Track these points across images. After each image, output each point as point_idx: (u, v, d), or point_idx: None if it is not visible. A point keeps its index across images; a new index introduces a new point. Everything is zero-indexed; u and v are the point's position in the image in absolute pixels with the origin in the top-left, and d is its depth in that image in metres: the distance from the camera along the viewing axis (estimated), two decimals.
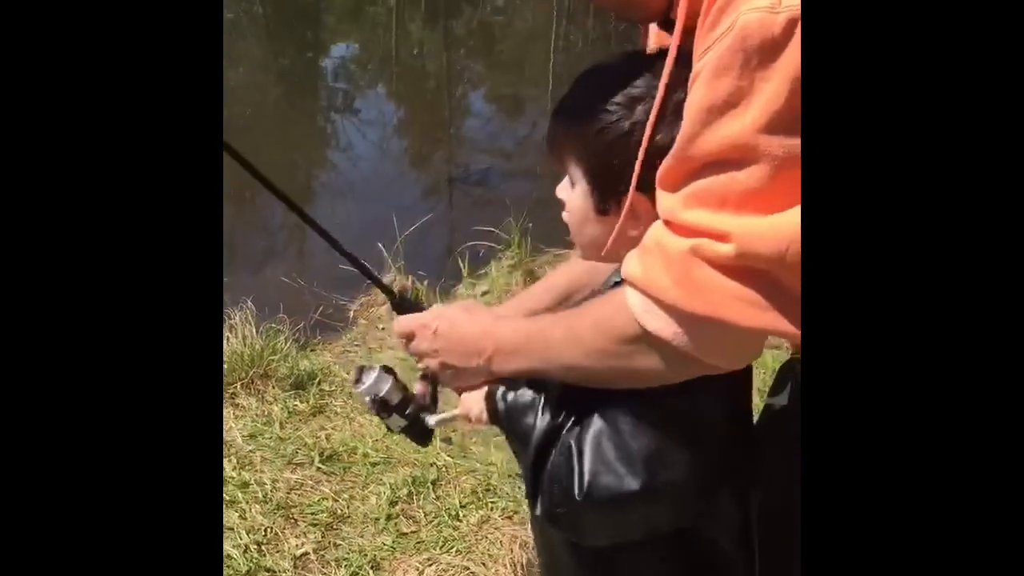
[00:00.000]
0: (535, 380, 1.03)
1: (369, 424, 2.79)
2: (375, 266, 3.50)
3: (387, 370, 1.16)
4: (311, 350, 3.17)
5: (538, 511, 0.99)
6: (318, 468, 2.56)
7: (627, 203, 0.94)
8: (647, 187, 0.91)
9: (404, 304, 1.16)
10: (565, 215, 1.03)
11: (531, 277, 3.56)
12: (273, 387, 2.83)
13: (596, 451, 0.94)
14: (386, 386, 1.14)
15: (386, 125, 7.50)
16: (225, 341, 2.89)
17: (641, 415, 0.94)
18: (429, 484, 2.53)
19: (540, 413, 1.00)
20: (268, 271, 3.84)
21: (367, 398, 1.14)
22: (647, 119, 0.90)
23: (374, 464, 2.61)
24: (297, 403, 2.81)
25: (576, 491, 0.94)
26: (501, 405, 1.04)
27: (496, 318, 1.08)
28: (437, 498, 2.46)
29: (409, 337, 1.10)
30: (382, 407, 1.14)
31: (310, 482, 2.52)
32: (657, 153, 0.88)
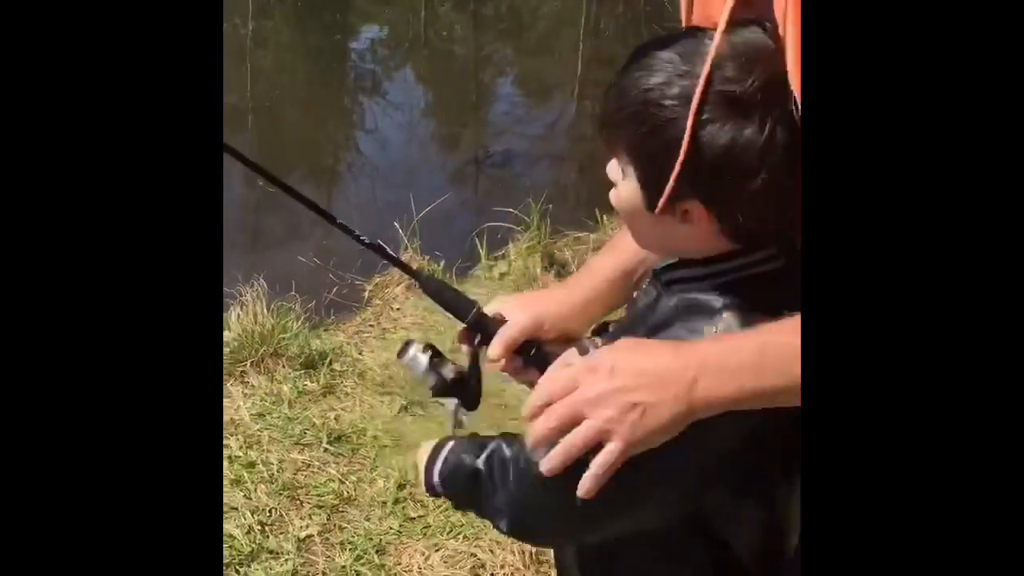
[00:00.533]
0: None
1: (380, 405, 2.75)
2: (392, 246, 3.44)
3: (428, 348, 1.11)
4: (324, 330, 3.13)
5: (503, 528, 0.98)
6: (326, 449, 2.52)
7: (680, 209, 0.88)
8: (701, 191, 0.86)
9: (484, 324, 1.08)
10: (613, 199, 0.96)
11: (549, 259, 3.50)
12: (283, 366, 2.79)
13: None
14: (423, 367, 1.09)
15: (413, 108, 7.44)
16: (236, 319, 2.85)
17: None
18: None
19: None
20: (287, 250, 3.80)
21: (431, 383, 1.10)
22: (706, 116, 0.83)
23: (383, 446, 2.57)
24: (307, 383, 2.76)
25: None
26: (436, 480, 1.03)
27: (688, 341, 0.91)
28: None
29: (565, 389, 0.89)
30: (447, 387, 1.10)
31: (317, 463, 2.48)
32: (712, 156, 0.83)
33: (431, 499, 2.37)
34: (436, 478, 1.03)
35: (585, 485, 0.87)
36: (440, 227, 3.83)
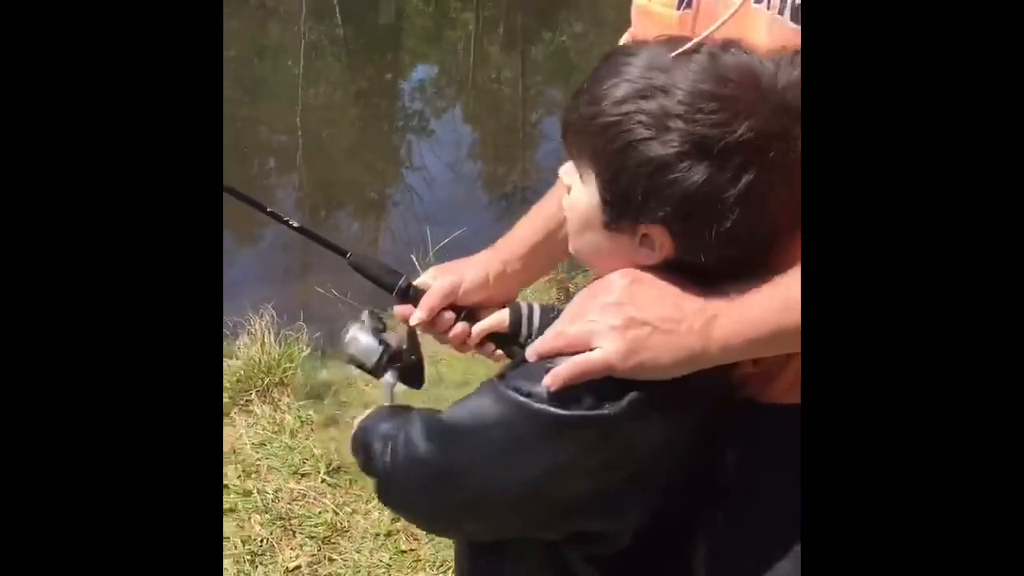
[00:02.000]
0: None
1: None
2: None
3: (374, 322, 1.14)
4: (337, 360, 3.13)
5: (377, 494, 1.00)
6: (323, 480, 2.51)
7: (641, 231, 0.85)
8: (673, 226, 0.83)
9: (413, 293, 1.11)
10: (565, 203, 0.92)
11: (565, 294, 3.46)
12: (288, 396, 2.80)
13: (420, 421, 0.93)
14: (365, 340, 1.12)
15: (461, 146, 7.51)
16: (244, 347, 2.86)
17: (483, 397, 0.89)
18: None
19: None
20: (304, 282, 3.83)
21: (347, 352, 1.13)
22: (685, 149, 0.79)
23: None
24: (311, 413, 2.76)
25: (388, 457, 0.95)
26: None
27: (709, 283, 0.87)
28: None
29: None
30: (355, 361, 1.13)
31: (313, 493, 2.46)
32: (693, 197, 0.80)
33: (424, 533, 2.35)
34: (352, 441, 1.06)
35: (551, 378, 0.82)
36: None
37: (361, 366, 1.13)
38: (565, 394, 0.82)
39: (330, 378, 2.93)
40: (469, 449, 0.88)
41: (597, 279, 0.89)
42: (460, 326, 1.11)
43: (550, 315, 1.10)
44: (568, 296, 3.53)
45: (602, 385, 0.82)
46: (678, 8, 1.01)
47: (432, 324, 1.10)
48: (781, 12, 0.89)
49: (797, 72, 0.80)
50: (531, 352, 0.86)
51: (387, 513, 2.39)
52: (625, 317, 0.82)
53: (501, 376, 0.89)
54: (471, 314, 1.11)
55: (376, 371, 1.12)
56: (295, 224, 1.13)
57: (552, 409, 0.82)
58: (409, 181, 6.59)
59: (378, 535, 2.34)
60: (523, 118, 8.45)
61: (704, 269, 0.86)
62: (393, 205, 6.13)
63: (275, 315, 2.98)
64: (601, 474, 0.86)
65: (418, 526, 1.04)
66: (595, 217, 0.88)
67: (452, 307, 1.11)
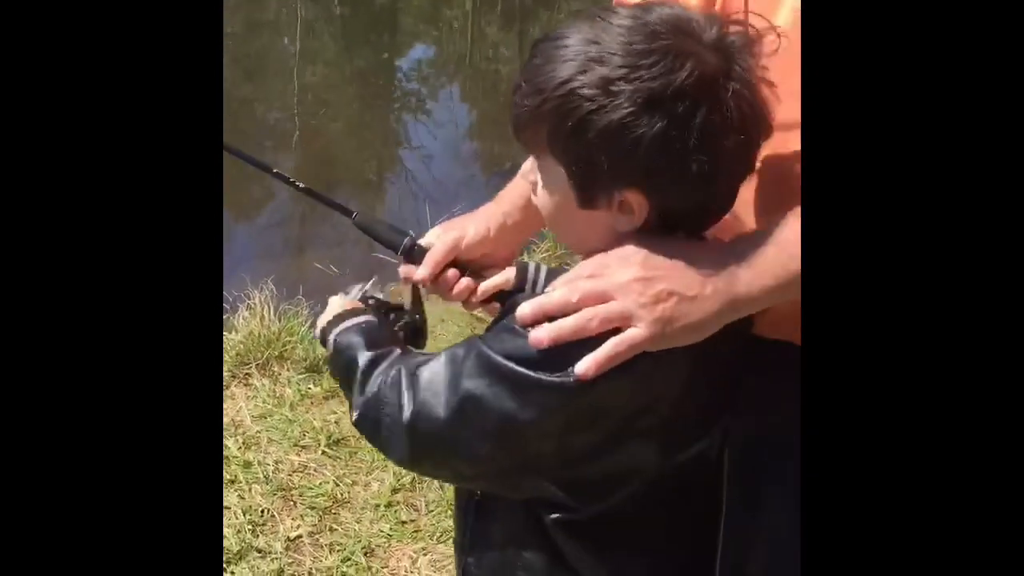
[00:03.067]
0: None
1: None
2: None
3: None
4: None
5: (353, 418, 0.99)
6: (323, 452, 2.52)
7: (616, 200, 0.86)
8: (644, 184, 0.84)
9: (418, 252, 1.11)
10: (537, 203, 0.94)
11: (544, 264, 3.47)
12: (288, 369, 2.81)
13: (434, 372, 0.92)
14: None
15: (458, 126, 7.50)
16: (243, 321, 2.87)
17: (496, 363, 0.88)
18: None
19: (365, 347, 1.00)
20: (302, 257, 3.84)
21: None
22: (637, 107, 0.80)
23: None
24: (311, 386, 2.77)
25: (404, 408, 0.92)
26: (331, 338, 1.03)
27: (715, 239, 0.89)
28: (441, 487, 2.39)
29: (595, 272, 0.86)
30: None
31: (314, 465, 2.48)
32: (657, 149, 0.81)
33: (424, 503, 2.37)
34: (331, 336, 1.04)
35: (587, 364, 0.83)
36: None
37: None
38: (539, 356, 0.85)
39: None
40: (442, 403, 0.91)
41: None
42: (464, 282, 1.11)
43: (557, 274, 1.10)
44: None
45: (569, 349, 0.84)
46: None
47: (436, 281, 1.11)
48: None
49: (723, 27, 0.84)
50: (531, 310, 0.86)
51: (387, 485, 2.41)
52: (652, 292, 0.83)
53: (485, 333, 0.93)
54: (475, 272, 1.12)
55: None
56: (301, 185, 1.14)
57: (521, 370, 0.86)
58: (406, 160, 6.58)
59: (378, 506, 2.36)
60: None
61: (683, 224, 0.89)
62: (390, 184, 6.12)
63: (275, 289, 2.99)
64: (565, 436, 0.89)
65: (396, 463, 1.04)
66: (567, 202, 0.89)
67: (456, 263, 1.11)
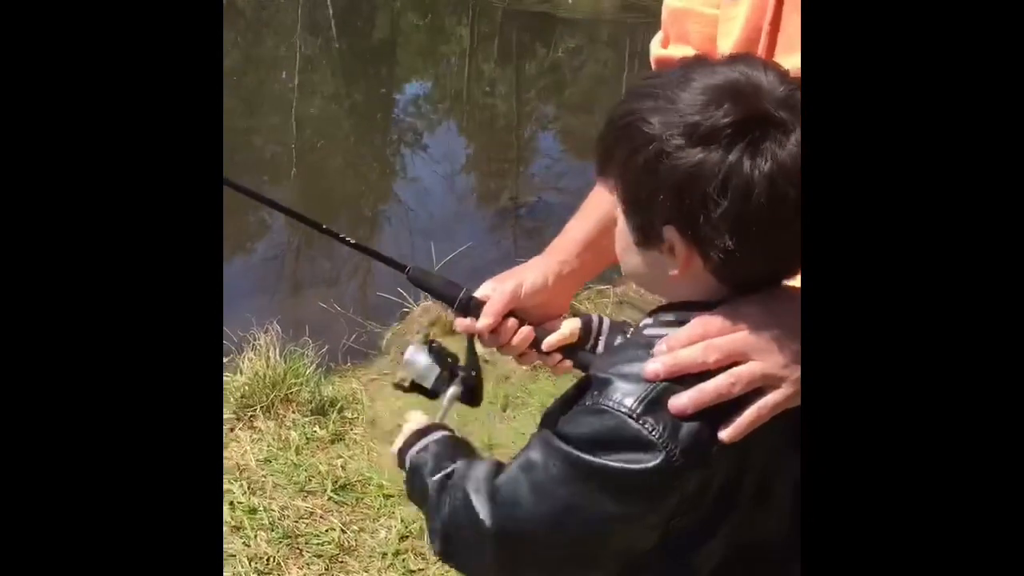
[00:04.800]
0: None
1: (387, 454, 2.70)
2: (411, 295, 3.44)
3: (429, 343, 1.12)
4: (339, 376, 3.11)
5: (436, 551, 0.93)
6: (330, 497, 2.48)
7: (661, 236, 0.85)
8: (678, 222, 0.82)
9: (474, 305, 1.09)
10: (615, 238, 0.94)
11: (572, 312, 3.45)
12: (294, 412, 2.77)
13: (514, 480, 0.87)
14: (424, 361, 1.10)
15: (455, 161, 7.52)
16: (248, 363, 2.84)
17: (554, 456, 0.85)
18: None
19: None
20: (305, 296, 3.81)
21: (404, 376, 1.11)
22: (680, 143, 0.80)
23: (388, 496, 2.52)
24: (317, 429, 2.74)
25: (485, 524, 0.87)
26: (407, 462, 1.00)
27: None
28: None
29: (723, 330, 0.84)
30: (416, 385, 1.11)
31: (320, 511, 2.44)
32: (686, 182, 0.80)
33: (432, 553, 2.33)
34: (407, 460, 1.00)
35: (735, 430, 0.81)
36: (466, 276, 3.82)
37: (419, 388, 1.10)
38: (633, 435, 0.81)
39: (335, 394, 2.91)
40: (530, 516, 0.86)
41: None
42: (525, 331, 1.08)
43: (621, 328, 1.10)
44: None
45: (668, 421, 0.81)
46: None
47: (496, 332, 1.08)
48: None
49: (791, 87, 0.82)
50: (662, 366, 0.83)
51: (395, 532, 2.37)
52: (793, 351, 0.82)
53: (553, 424, 0.88)
54: (534, 323, 1.10)
55: (437, 391, 1.09)
56: (351, 241, 1.13)
57: (616, 465, 0.81)
58: (403, 194, 6.58)
59: (386, 554, 2.31)
60: (517, 132, 8.46)
61: (748, 280, 0.86)
62: (387, 219, 6.12)
63: (280, 330, 2.96)
64: (666, 524, 0.85)
65: None
66: (628, 238, 0.89)
67: (514, 313, 1.09)
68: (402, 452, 1.02)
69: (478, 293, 1.11)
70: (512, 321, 1.09)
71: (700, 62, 0.87)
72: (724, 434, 0.81)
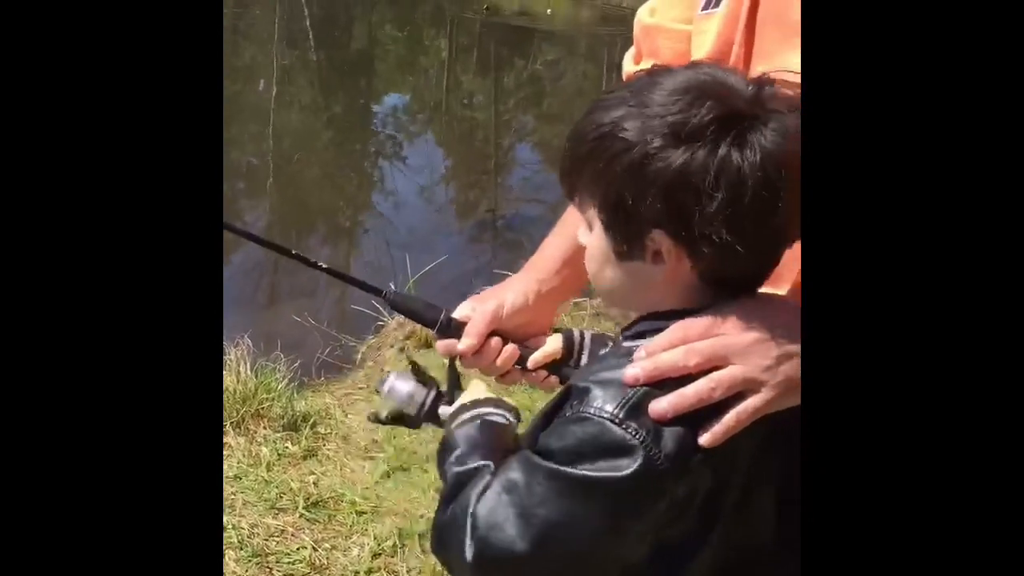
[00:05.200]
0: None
1: (362, 470, 2.67)
2: (386, 308, 3.40)
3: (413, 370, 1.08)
4: (312, 391, 3.07)
5: (432, 543, 0.89)
6: (301, 515, 2.44)
7: (647, 243, 0.84)
8: (669, 224, 0.82)
9: (455, 326, 1.07)
10: (586, 259, 0.92)
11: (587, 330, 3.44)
12: (265, 427, 2.73)
13: (493, 507, 0.82)
14: (405, 388, 1.06)
15: (433, 172, 7.51)
16: None
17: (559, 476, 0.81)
18: (416, 536, 2.39)
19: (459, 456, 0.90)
20: (280, 310, 3.78)
21: (385, 407, 1.07)
22: (663, 143, 0.80)
23: (360, 513, 2.48)
24: (288, 445, 2.69)
25: (465, 549, 0.82)
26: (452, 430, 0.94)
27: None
28: (423, 552, 2.32)
29: (704, 333, 0.83)
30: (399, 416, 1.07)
31: (291, 529, 2.39)
32: (667, 180, 0.80)
33: (405, 570, 2.29)
34: (451, 427, 0.95)
35: (715, 434, 0.80)
36: (444, 288, 3.79)
37: (400, 419, 1.06)
38: (617, 441, 0.80)
39: (308, 409, 2.87)
40: (513, 541, 0.82)
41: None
42: (509, 349, 1.07)
43: (603, 340, 1.08)
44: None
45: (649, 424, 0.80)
46: (705, 8, 1.02)
47: (479, 352, 1.06)
48: None
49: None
50: (642, 371, 0.82)
51: (367, 550, 2.33)
52: (775, 355, 0.82)
53: (534, 440, 0.86)
54: (516, 342, 1.08)
55: (418, 419, 1.05)
56: (323, 265, 1.10)
57: (601, 475, 0.80)
58: (381, 206, 6.56)
59: (358, 573, 2.27)
60: (496, 144, 8.47)
61: (727, 281, 0.86)
62: (364, 230, 6.09)
63: (251, 344, 2.92)
64: (655, 534, 0.83)
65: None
66: (607, 252, 0.88)
67: (497, 333, 1.07)
68: (449, 421, 0.97)
69: (457, 314, 1.09)
70: (495, 340, 1.07)
71: (661, 69, 0.87)
72: (704, 439, 0.80)
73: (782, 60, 0.89)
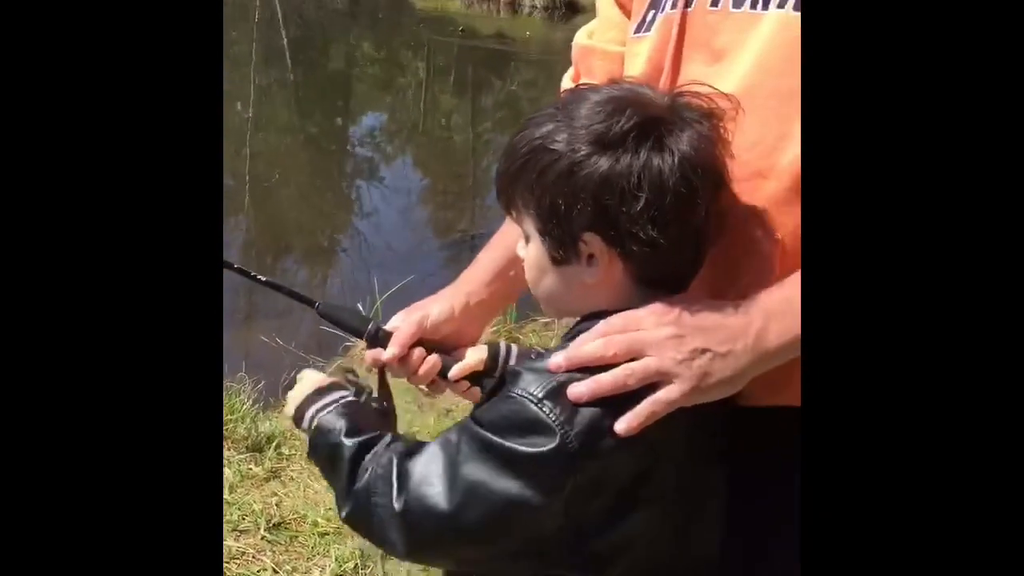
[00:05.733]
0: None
1: (325, 491, 2.66)
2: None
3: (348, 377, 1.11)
4: (277, 412, 3.05)
5: (343, 514, 0.94)
6: (263, 537, 2.42)
7: (580, 246, 0.90)
8: (600, 226, 0.88)
9: (383, 336, 1.10)
10: (525, 268, 0.98)
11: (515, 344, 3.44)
12: (228, 449, 2.71)
13: (427, 462, 0.90)
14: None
15: (411, 193, 7.51)
16: None
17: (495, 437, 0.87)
18: (379, 558, 2.38)
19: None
20: (247, 329, 3.76)
21: None
22: (589, 151, 0.87)
23: (323, 534, 2.47)
24: (252, 467, 2.68)
25: (395, 500, 0.89)
26: (307, 421, 1.00)
27: (748, 293, 0.90)
28: (384, 573, 2.31)
29: (627, 327, 0.88)
30: None
31: (252, 551, 2.38)
32: (595, 184, 0.86)
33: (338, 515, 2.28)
34: (307, 420, 1.00)
35: (628, 421, 0.84)
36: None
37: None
38: (537, 419, 0.86)
39: (272, 430, 2.86)
40: (438, 494, 0.88)
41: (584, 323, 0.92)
42: (432, 360, 1.10)
43: (528, 355, 1.11)
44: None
45: (568, 410, 0.86)
46: (636, 32, 1.06)
47: (404, 362, 1.10)
48: (782, 5, 0.93)
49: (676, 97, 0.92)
50: (564, 359, 0.87)
51: (329, 571, 2.32)
52: (688, 349, 0.86)
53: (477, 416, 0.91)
54: (442, 352, 1.11)
55: None
56: (262, 278, 1.13)
57: (521, 449, 0.86)
58: (359, 226, 6.55)
59: None
60: (473, 164, 8.49)
61: (659, 281, 0.92)
62: (342, 251, 6.08)
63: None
64: (572, 510, 0.87)
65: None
66: (544, 260, 0.94)
67: (422, 343, 1.11)
68: (302, 408, 1.01)
69: (388, 325, 1.12)
70: (419, 351, 1.10)
71: (586, 87, 0.96)
72: (619, 426, 0.84)
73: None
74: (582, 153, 0.87)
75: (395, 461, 0.90)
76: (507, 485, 0.86)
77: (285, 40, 10.62)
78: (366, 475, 0.91)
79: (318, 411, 0.99)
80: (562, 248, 0.91)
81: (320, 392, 1.01)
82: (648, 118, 0.88)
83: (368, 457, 0.93)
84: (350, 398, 1.01)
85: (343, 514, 0.94)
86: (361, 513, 0.92)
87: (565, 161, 0.88)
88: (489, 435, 0.87)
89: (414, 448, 0.92)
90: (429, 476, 0.88)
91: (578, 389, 0.85)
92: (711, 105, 0.91)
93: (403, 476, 0.89)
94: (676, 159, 0.87)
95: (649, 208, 0.86)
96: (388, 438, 0.95)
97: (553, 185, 0.89)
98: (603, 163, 0.86)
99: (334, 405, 0.99)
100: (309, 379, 1.05)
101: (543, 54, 11.13)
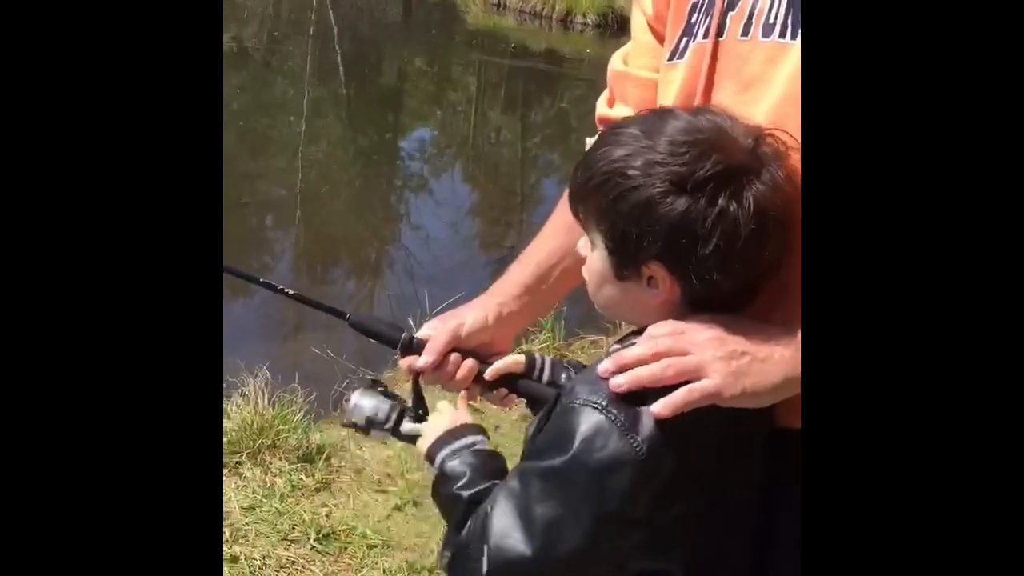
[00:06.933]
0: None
1: (374, 503, 2.69)
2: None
3: (374, 386, 1.14)
4: (328, 423, 3.09)
5: (442, 562, 0.97)
6: (313, 547, 2.46)
7: (644, 270, 0.93)
8: (666, 258, 0.91)
9: (417, 346, 1.12)
10: (584, 271, 1.01)
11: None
12: (280, 459, 2.75)
13: (500, 516, 0.91)
14: (370, 403, 1.12)
15: (459, 208, 7.54)
16: (236, 408, 2.83)
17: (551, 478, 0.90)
18: (425, 571, 2.40)
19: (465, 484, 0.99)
20: (297, 341, 3.81)
21: (353, 419, 1.13)
22: (666, 191, 0.89)
23: (371, 546, 2.50)
24: (303, 477, 2.72)
25: (484, 560, 0.91)
26: (439, 461, 1.02)
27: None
28: None
29: (674, 332, 0.92)
30: (369, 425, 1.12)
31: (302, 561, 2.41)
32: (669, 222, 0.89)
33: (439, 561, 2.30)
34: (437, 461, 1.03)
35: (665, 404, 0.87)
36: None
37: (373, 426, 1.12)
38: (597, 428, 0.88)
39: (323, 441, 2.89)
40: (519, 543, 0.90)
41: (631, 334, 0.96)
42: (468, 364, 1.12)
43: (563, 365, 1.14)
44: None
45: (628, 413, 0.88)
46: (670, 59, 1.07)
47: (439, 368, 1.11)
48: (783, 35, 0.95)
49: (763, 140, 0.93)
50: (612, 363, 0.90)
51: None
52: (728, 349, 0.89)
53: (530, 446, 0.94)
54: (476, 360, 1.13)
55: (394, 427, 1.11)
56: (290, 292, 1.15)
57: (586, 459, 0.88)
58: (407, 240, 6.59)
59: None
60: (522, 180, 8.51)
61: (709, 305, 0.94)
62: (390, 264, 6.12)
63: (269, 376, 2.95)
64: (649, 520, 0.90)
65: None
66: (607, 272, 0.97)
67: (457, 350, 1.12)
68: (433, 449, 1.04)
69: (420, 334, 1.14)
70: (455, 356, 1.12)
71: (668, 112, 0.96)
72: (656, 407, 0.87)
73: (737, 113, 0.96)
74: (659, 190, 0.89)
75: (483, 519, 0.93)
76: (586, 506, 0.88)
77: (339, 55, 10.76)
78: (466, 530, 0.95)
79: (446, 457, 1.03)
80: (626, 268, 0.94)
81: (452, 435, 1.05)
82: (730, 167, 0.89)
83: (475, 511, 0.96)
84: (479, 446, 1.04)
85: (443, 562, 0.97)
86: (458, 568, 0.95)
87: (641, 194, 0.90)
88: (551, 462, 0.89)
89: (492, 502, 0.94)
90: (506, 528, 0.90)
91: (618, 380, 0.89)
92: (791, 144, 0.93)
93: (484, 536, 0.91)
94: (751, 209, 0.89)
95: (718, 252, 0.89)
96: (492, 490, 0.97)
97: (627, 215, 0.91)
98: (679, 204, 0.89)
99: (461, 452, 1.03)
100: (444, 415, 1.09)
101: (594, 71, 11.13)
